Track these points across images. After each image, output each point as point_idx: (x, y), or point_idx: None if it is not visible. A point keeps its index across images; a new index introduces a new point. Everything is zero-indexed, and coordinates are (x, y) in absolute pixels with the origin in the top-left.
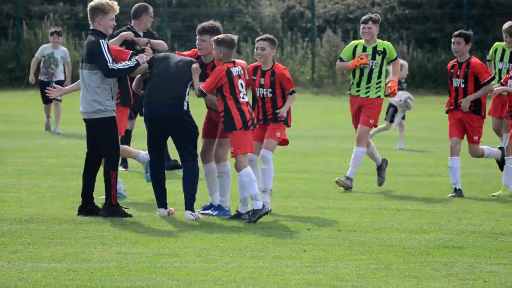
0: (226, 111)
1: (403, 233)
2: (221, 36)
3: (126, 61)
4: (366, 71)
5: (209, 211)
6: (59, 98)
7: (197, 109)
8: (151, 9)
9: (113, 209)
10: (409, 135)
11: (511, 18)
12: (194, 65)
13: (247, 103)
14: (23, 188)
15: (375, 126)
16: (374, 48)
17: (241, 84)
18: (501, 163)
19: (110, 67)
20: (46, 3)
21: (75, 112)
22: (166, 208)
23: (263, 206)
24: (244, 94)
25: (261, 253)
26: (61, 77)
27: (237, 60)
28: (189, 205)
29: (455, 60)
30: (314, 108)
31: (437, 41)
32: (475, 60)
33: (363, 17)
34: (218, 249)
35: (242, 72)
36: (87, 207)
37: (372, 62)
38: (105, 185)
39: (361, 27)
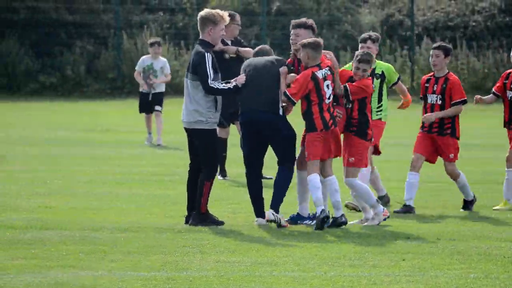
0: (307, 113)
1: (503, 242)
2: (307, 39)
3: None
4: None
5: (307, 221)
6: (159, 109)
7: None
8: (237, 16)
9: (202, 218)
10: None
11: None
12: (281, 69)
13: (331, 103)
14: (122, 197)
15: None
16: (373, 70)
17: (327, 85)
18: (466, 203)
19: (210, 85)
20: (146, 12)
21: (173, 121)
22: (264, 217)
23: (321, 212)
24: (330, 95)
25: (359, 262)
26: (161, 88)
27: (324, 61)
28: (274, 205)
29: (430, 74)
30: (416, 116)
31: None
32: (453, 76)
33: (362, 36)
34: (317, 258)
35: (329, 73)
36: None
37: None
38: (197, 193)
39: (359, 47)
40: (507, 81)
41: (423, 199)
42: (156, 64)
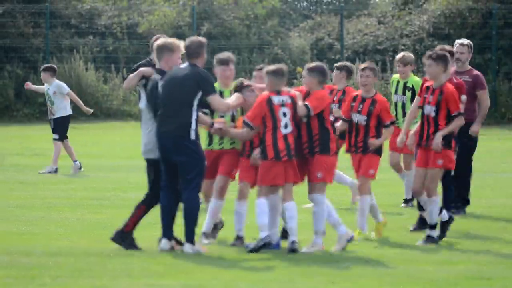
0: (261, 139)
1: (431, 265)
2: (270, 66)
3: None
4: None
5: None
6: (55, 137)
7: None
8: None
9: (123, 236)
10: None
11: None
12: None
13: (289, 134)
14: (52, 221)
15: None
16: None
17: (284, 113)
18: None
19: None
20: (76, 36)
21: (104, 145)
22: (170, 240)
23: (264, 238)
24: (286, 124)
25: (288, 284)
26: (61, 113)
27: (288, 90)
28: (189, 237)
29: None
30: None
31: None
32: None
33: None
34: (246, 281)
35: (289, 101)
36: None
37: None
38: (132, 212)
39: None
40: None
41: (351, 221)
42: (50, 89)
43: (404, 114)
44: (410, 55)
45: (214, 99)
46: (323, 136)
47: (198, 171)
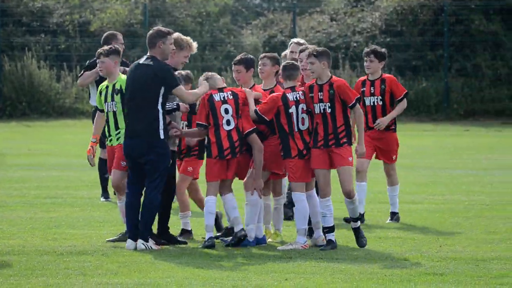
0: (207, 138)
1: (384, 261)
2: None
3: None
4: None
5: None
6: None
7: None
8: (119, 36)
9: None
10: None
11: (490, 45)
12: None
13: (233, 130)
14: (4, 219)
15: None
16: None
17: (226, 109)
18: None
19: None
20: (28, 34)
21: (58, 143)
22: (135, 240)
23: (240, 230)
24: (228, 120)
25: (242, 282)
26: None
27: (231, 88)
28: (143, 234)
29: (364, 77)
30: None
31: (418, 69)
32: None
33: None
34: (200, 279)
35: (231, 98)
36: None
37: None
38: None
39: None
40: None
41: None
42: None
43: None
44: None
45: (180, 90)
46: (282, 138)
47: (163, 170)
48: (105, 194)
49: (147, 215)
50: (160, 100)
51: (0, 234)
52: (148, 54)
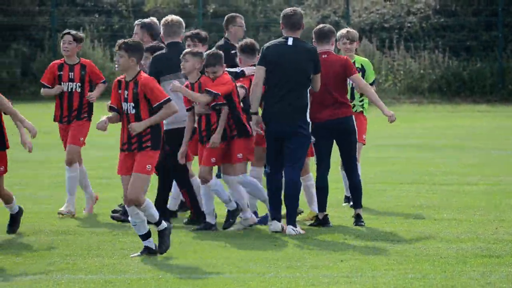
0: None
1: (440, 242)
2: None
3: None
4: None
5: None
6: None
7: None
8: (238, 18)
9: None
10: (445, 144)
11: None
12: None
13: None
14: (61, 200)
15: None
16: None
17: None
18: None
19: None
20: (82, 14)
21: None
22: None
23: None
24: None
25: (297, 263)
26: None
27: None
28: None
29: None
30: None
31: (472, 50)
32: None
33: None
34: (255, 260)
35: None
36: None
37: None
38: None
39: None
40: None
41: None
42: None
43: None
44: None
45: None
46: (237, 121)
47: (305, 151)
48: None
49: (294, 199)
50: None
51: (56, 214)
52: (292, 35)
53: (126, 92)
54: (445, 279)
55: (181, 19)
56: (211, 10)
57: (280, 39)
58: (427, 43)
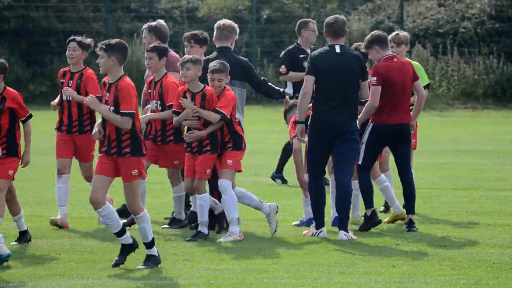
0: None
1: (493, 248)
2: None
3: None
4: None
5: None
6: None
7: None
8: (311, 23)
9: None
10: (499, 150)
11: None
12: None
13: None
14: (114, 205)
15: None
16: None
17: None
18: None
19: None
20: (136, 20)
21: None
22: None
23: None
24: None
25: (349, 268)
26: None
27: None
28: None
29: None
30: None
31: None
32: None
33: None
34: (307, 265)
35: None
36: None
37: None
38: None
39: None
40: None
41: None
42: None
43: None
44: (405, 34)
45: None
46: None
47: (355, 155)
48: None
49: (346, 204)
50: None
51: None
52: (337, 43)
53: (108, 94)
54: (498, 284)
55: (234, 24)
56: (264, 16)
57: (326, 48)
58: (481, 48)
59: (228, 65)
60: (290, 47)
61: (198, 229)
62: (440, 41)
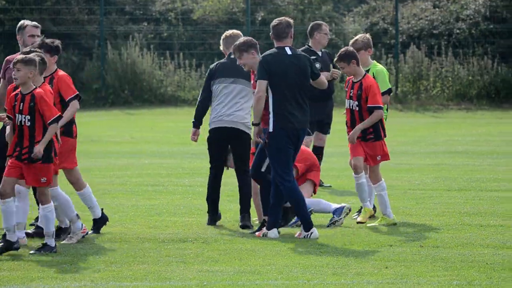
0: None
1: (486, 248)
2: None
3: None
4: None
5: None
6: None
7: None
8: (323, 26)
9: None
10: (493, 150)
11: None
12: None
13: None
14: (106, 207)
15: None
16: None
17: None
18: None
19: None
20: (130, 23)
21: (161, 131)
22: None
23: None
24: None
25: (342, 270)
26: None
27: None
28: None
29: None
30: (398, 124)
31: None
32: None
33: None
34: (300, 266)
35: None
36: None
37: None
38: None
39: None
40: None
41: (406, 206)
42: None
43: None
44: (363, 39)
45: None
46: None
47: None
48: None
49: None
50: None
51: None
52: (285, 44)
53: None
54: (491, 285)
55: (239, 33)
56: (259, 18)
57: (274, 50)
58: (476, 49)
59: None
60: (301, 49)
61: (45, 241)
62: (434, 42)
